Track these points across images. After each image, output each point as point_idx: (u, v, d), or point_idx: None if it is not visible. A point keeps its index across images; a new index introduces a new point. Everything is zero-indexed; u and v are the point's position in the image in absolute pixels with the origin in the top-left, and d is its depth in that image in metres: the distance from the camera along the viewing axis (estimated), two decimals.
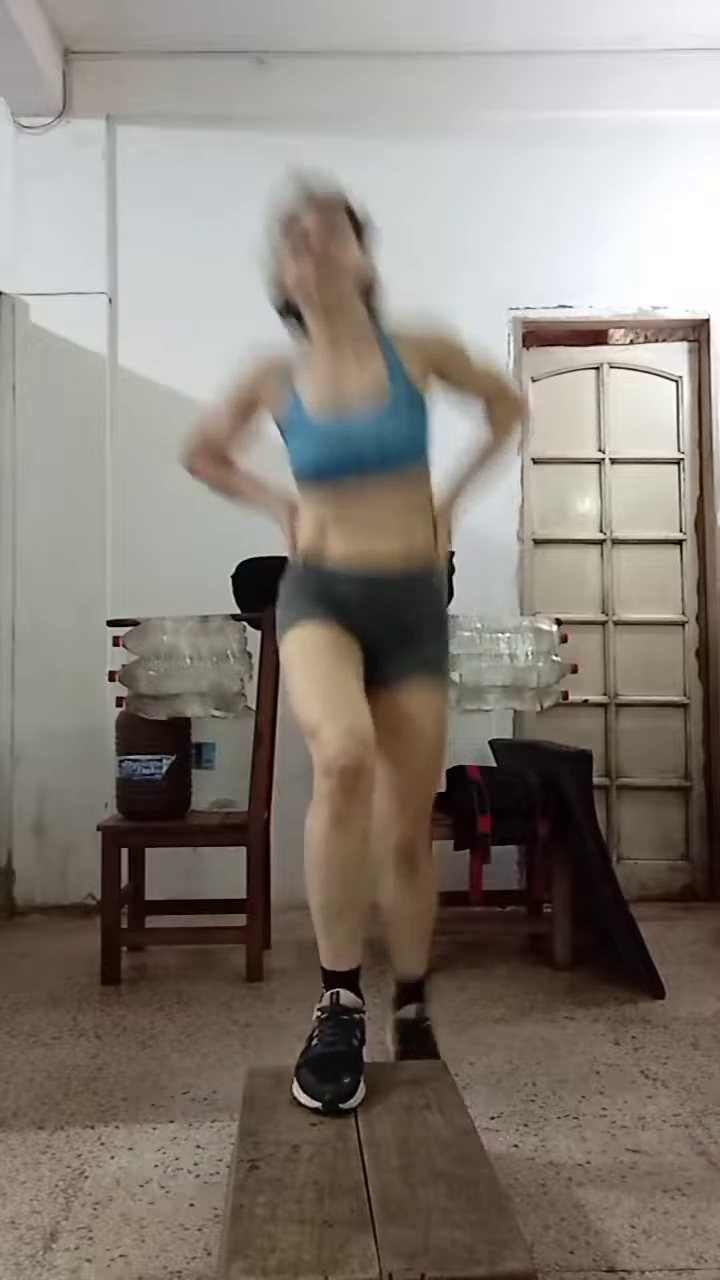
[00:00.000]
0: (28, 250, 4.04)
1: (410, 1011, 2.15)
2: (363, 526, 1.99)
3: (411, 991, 2.17)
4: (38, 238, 4.04)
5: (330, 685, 1.94)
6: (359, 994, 1.87)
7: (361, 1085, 1.69)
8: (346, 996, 1.85)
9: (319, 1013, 1.85)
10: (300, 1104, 1.68)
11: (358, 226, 2.07)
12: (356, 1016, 1.83)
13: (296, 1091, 1.71)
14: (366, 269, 2.08)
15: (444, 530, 2.09)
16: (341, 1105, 1.65)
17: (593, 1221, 1.73)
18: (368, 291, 2.09)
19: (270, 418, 2.11)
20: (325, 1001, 1.85)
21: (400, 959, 2.19)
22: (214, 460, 2.22)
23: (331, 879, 1.90)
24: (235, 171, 4.07)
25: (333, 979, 1.87)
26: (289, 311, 2.11)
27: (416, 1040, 2.11)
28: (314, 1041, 1.79)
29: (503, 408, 2.16)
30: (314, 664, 1.97)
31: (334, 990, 1.85)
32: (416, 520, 2.03)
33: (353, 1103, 1.66)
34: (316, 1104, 1.65)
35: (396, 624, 2.02)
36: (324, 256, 1.98)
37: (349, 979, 1.87)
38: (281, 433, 2.08)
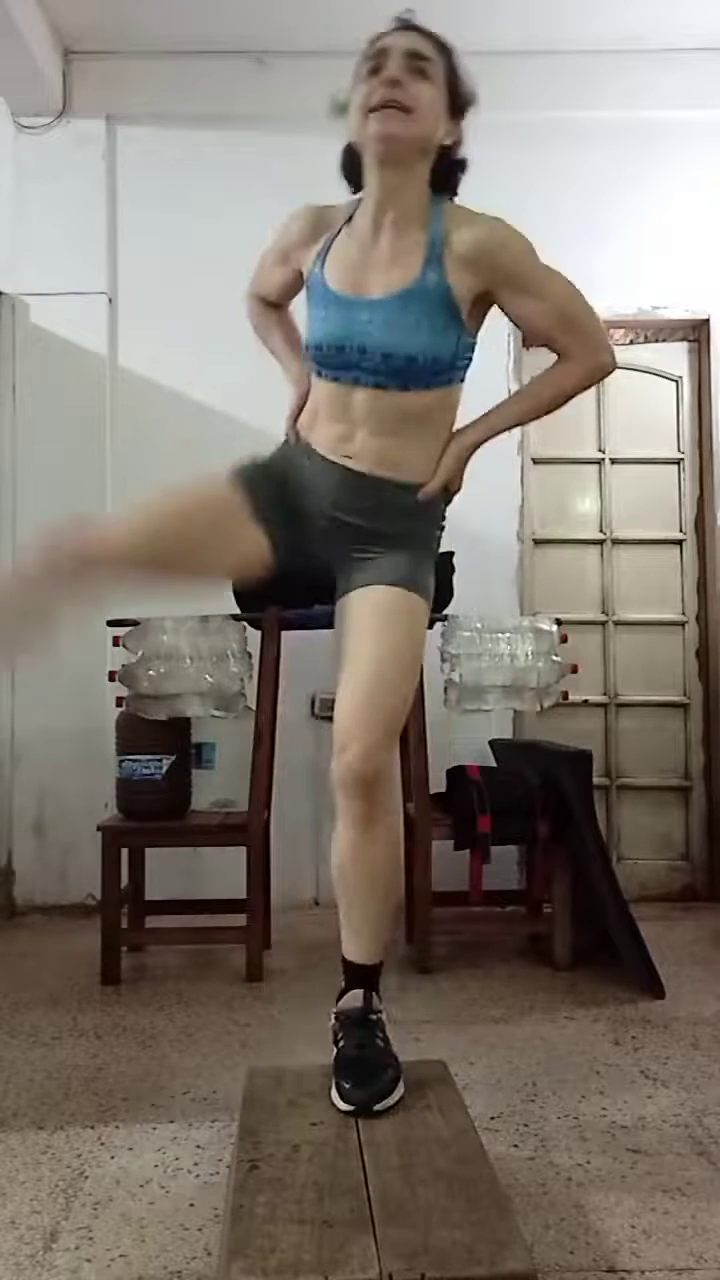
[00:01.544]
0: (28, 250, 4.04)
1: (355, 999, 1.77)
2: (355, 421, 1.76)
3: (358, 976, 1.79)
4: (38, 238, 4.04)
5: (160, 516, 1.84)
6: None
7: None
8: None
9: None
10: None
11: (456, 85, 1.77)
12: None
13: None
14: (445, 133, 1.76)
15: (451, 462, 1.81)
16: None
17: (593, 1221, 1.73)
18: (441, 165, 1.78)
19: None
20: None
21: (347, 935, 1.80)
22: (264, 307, 2.05)
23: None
24: (235, 171, 4.08)
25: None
26: (350, 162, 1.82)
27: (362, 1034, 1.72)
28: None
29: (570, 358, 1.81)
30: (177, 501, 1.85)
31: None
32: (415, 434, 1.77)
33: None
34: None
35: (366, 532, 1.79)
36: (395, 84, 1.67)
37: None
38: (307, 292, 1.86)
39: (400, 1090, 1.66)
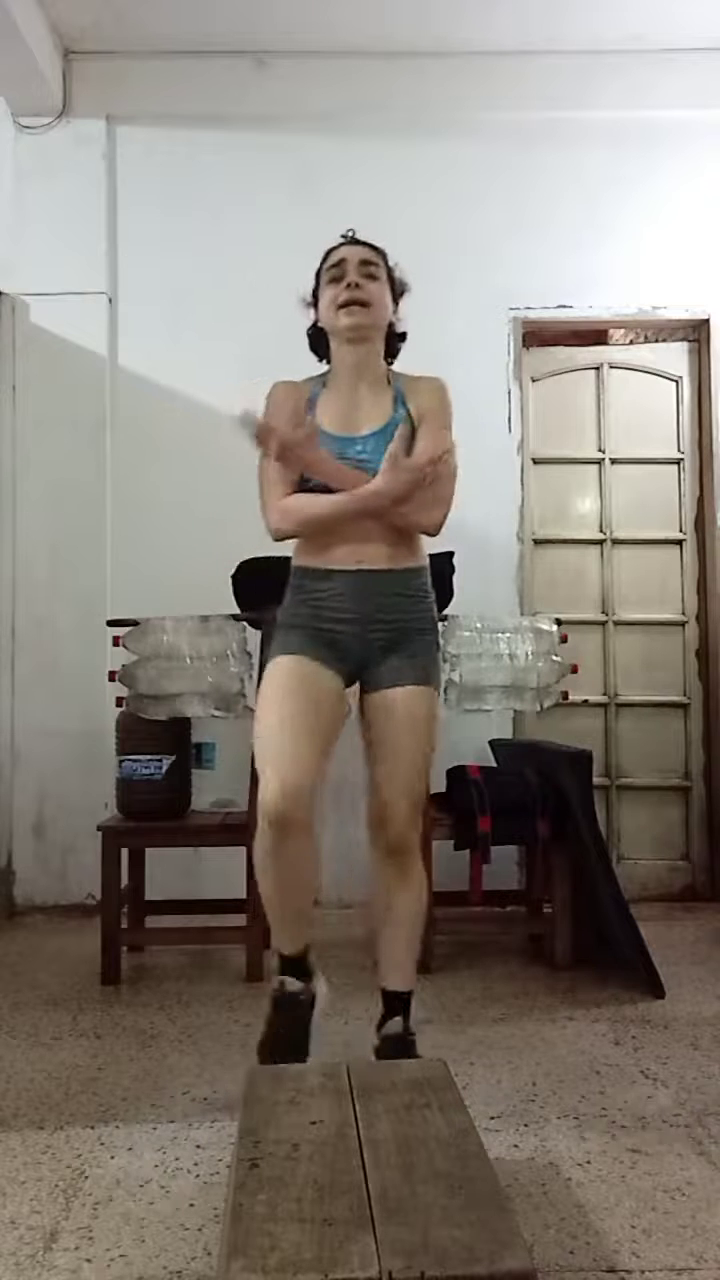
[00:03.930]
0: (28, 250, 4.04)
1: (396, 1026, 2.20)
2: (358, 532, 2.15)
3: (397, 1004, 2.23)
4: (38, 238, 4.04)
5: (283, 734, 2.06)
6: (305, 976, 2.17)
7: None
8: (291, 982, 2.15)
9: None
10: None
11: (393, 281, 2.29)
12: (301, 998, 2.14)
13: None
14: (392, 317, 2.30)
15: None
16: None
17: (593, 1221, 1.73)
18: (389, 339, 2.31)
19: None
20: (274, 985, 2.17)
21: (388, 968, 2.24)
22: (293, 497, 2.18)
23: (269, 891, 2.10)
24: (235, 171, 4.08)
25: (283, 964, 2.17)
26: (318, 340, 2.31)
27: (402, 1053, 2.15)
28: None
29: (427, 496, 2.14)
30: (278, 706, 2.10)
31: (281, 977, 2.16)
32: (398, 531, 2.18)
33: None
34: None
35: (386, 626, 2.17)
36: (356, 287, 2.19)
37: (295, 963, 2.17)
38: None
39: None
